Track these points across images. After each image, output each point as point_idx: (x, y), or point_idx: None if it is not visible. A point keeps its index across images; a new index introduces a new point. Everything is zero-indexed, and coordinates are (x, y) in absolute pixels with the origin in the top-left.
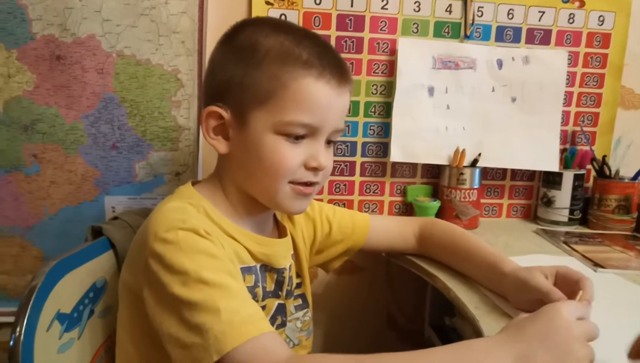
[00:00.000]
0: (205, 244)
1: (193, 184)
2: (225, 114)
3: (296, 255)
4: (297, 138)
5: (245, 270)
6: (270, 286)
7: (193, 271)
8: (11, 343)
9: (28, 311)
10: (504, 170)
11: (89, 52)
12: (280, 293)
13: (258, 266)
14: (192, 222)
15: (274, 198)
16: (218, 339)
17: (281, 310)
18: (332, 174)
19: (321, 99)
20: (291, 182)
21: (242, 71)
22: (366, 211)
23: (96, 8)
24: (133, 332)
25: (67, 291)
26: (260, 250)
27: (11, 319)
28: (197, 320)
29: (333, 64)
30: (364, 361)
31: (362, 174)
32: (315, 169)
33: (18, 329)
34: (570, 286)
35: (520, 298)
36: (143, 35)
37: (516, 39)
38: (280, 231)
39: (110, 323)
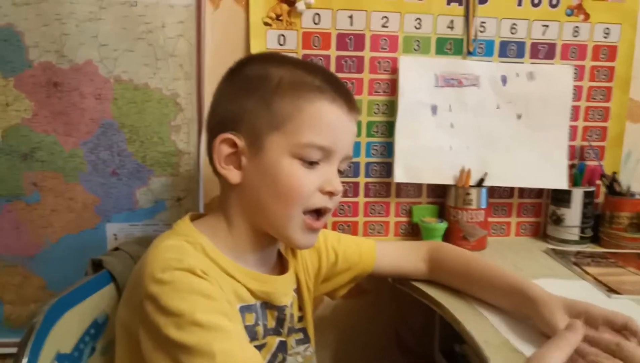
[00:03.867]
0: (202, 284)
1: (192, 219)
2: (239, 141)
3: (298, 289)
4: (312, 163)
5: (245, 309)
6: (271, 324)
7: (188, 313)
8: None
9: (27, 354)
10: (512, 188)
11: (86, 78)
12: (281, 330)
13: (258, 303)
14: (188, 262)
15: (285, 228)
16: None
17: (282, 347)
18: None
19: (335, 121)
20: (305, 212)
21: (255, 99)
22: (371, 233)
23: (93, 33)
24: None
25: (67, 330)
26: (260, 288)
27: (15, 350)
28: None
29: (343, 91)
30: None
31: (366, 195)
32: (330, 194)
33: None
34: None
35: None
36: (140, 60)
37: (520, 54)
38: (283, 265)
39: (113, 359)
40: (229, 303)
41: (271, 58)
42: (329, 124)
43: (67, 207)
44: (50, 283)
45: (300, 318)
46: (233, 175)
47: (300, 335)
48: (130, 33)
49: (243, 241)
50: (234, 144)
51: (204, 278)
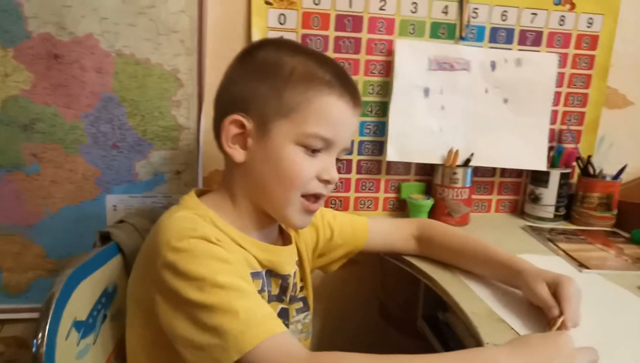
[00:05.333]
0: (217, 250)
1: (197, 194)
2: (248, 123)
3: (300, 261)
4: (314, 151)
5: (254, 275)
6: (275, 291)
7: (208, 277)
8: (34, 349)
9: (48, 321)
10: (494, 168)
11: (87, 51)
12: (284, 298)
13: (264, 271)
14: (202, 230)
15: (283, 210)
16: (237, 339)
17: (284, 314)
18: None
19: (340, 116)
20: (302, 195)
21: (267, 85)
22: (362, 208)
23: (94, 6)
24: (144, 340)
25: (82, 299)
26: (266, 257)
27: (12, 316)
28: (215, 322)
29: (351, 88)
30: (381, 361)
31: (358, 172)
32: (327, 182)
33: (40, 335)
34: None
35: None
36: (142, 34)
37: (509, 40)
38: (284, 238)
39: (122, 325)
40: (242, 267)
41: (285, 46)
42: (334, 118)
43: (67, 178)
44: (49, 251)
45: (302, 288)
46: (238, 154)
47: (301, 304)
48: (132, 7)
49: (246, 219)
50: (242, 125)
51: (219, 245)
